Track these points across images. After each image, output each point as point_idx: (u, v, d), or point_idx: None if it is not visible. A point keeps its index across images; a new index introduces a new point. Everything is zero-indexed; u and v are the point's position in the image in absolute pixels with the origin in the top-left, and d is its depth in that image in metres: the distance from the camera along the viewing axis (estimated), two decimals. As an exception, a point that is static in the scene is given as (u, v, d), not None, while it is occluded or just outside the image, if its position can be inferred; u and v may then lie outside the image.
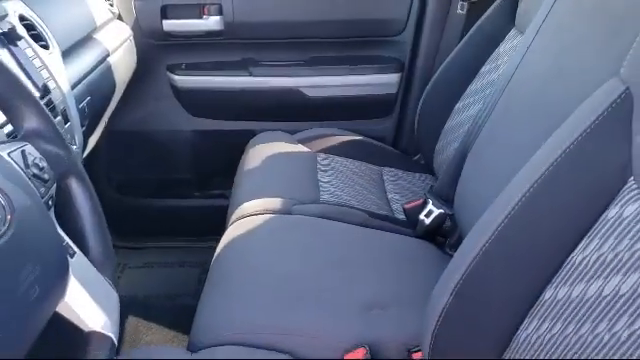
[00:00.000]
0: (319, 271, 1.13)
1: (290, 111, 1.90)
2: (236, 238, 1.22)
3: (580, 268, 0.70)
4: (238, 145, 1.80)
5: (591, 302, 0.67)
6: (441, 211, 1.29)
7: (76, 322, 0.66)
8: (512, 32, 1.47)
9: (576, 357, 0.66)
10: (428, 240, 1.32)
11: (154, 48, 1.87)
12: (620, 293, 0.64)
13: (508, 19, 1.49)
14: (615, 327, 0.63)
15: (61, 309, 0.64)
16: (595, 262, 0.68)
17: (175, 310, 1.57)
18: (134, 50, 1.83)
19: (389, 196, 1.56)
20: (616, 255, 0.66)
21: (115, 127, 1.85)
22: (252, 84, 1.88)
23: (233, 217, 1.35)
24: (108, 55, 1.60)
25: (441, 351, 0.85)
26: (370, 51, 1.89)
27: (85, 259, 0.69)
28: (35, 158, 0.65)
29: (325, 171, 1.59)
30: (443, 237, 1.33)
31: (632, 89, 0.71)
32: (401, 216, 1.43)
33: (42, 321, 0.60)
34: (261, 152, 1.68)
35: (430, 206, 1.30)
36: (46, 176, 0.66)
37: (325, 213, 1.34)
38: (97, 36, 1.58)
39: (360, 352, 0.93)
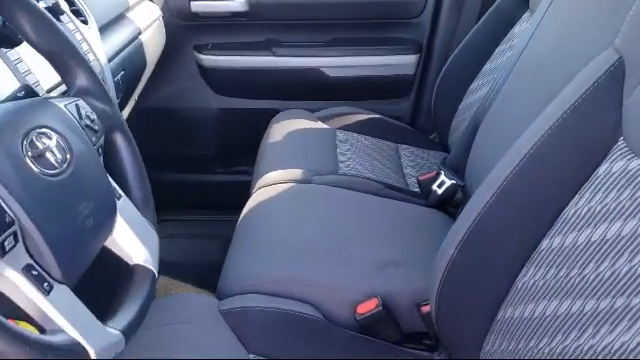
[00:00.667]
0: (337, 233, 1.21)
1: (311, 90, 1.98)
2: (260, 203, 1.31)
3: (572, 219, 0.77)
4: (261, 123, 1.87)
5: (581, 248, 0.74)
6: (453, 182, 1.36)
7: (122, 256, 0.75)
8: (526, 14, 1.53)
9: (566, 297, 0.73)
10: (440, 210, 1.39)
11: (182, 28, 1.95)
12: (606, 238, 0.71)
13: (523, 1, 1.55)
14: (600, 268, 0.70)
15: (109, 244, 0.73)
16: (586, 214, 0.75)
17: (201, 273, 1.65)
18: (163, 30, 1.92)
19: (404, 171, 1.63)
20: (604, 206, 0.73)
21: (143, 104, 1.93)
22: (275, 64, 1.95)
23: (257, 186, 1.44)
24: (140, 33, 1.68)
25: (447, 301, 0.93)
26: (389, 33, 1.95)
27: (129, 202, 0.77)
28: (87, 112, 0.74)
29: (343, 146, 1.66)
30: (454, 207, 1.40)
31: (625, 58, 0.78)
32: (415, 189, 1.51)
33: (95, 250, 0.69)
34: (283, 129, 1.76)
35: (442, 177, 1.37)
36: (96, 127, 0.74)
37: (342, 183, 1.42)
38: (129, 15, 1.66)
39: (373, 302, 1.01)
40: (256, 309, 1.00)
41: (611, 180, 0.74)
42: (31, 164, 0.60)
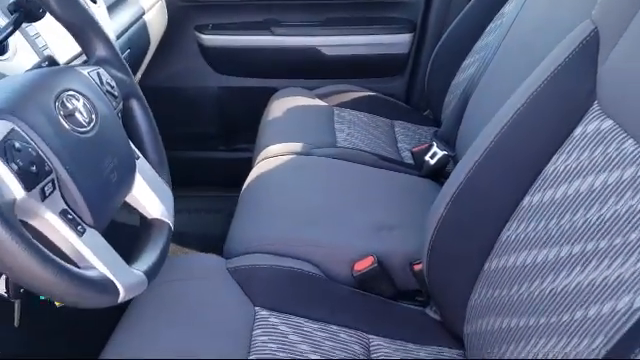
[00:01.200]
0: (336, 200, 1.28)
1: (309, 69, 2.04)
2: (263, 173, 1.38)
3: (551, 177, 0.85)
4: (261, 101, 1.93)
5: (558, 203, 0.82)
6: (445, 153, 1.43)
7: (141, 210, 0.82)
8: (518, -9, 1.59)
9: (544, 246, 0.81)
10: (433, 180, 1.47)
11: (183, 9, 2.01)
12: (580, 192, 0.78)
13: (515, -21, 1.61)
14: (574, 218, 0.78)
15: (130, 199, 0.81)
16: (562, 171, 0.83)
17: (206, 242, 1.72)
18: (165, 10, 1.97)
19: (399, 145, 1.71)
20: (579, 163, 0.81)
21: (145, 83, 1.99)
22: (274, 43, 2.02)
23: (258, 158, 1.51)
24: (143, 13, 1.74)
25: (437, 256, 1.00)
26: (384, 13, 2.02)
27: (146, 163, 0.85)
28: (107, 79, 0.81)
29: (341, 122, 1.73)
30: (446, 178, 1.47)
31: (600, 29, 0.85)
32: (409, 162, 1.58)
33: (119, 201, 0.76)
34: (283, 106, 1.82)
35: (435, 148, 1.45)
36: (116, 94, 0.81)
37: (340, 155, 1.49)
38: (133, -5, 1.72)
39: (369, 260, 1.09)
40: (261, 267, 1.08)
41: (585, 140, 0.81)
42: (63, 122, 0.67)
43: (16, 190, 0.57)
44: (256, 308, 0.99)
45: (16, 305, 0.93)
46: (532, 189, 0.88)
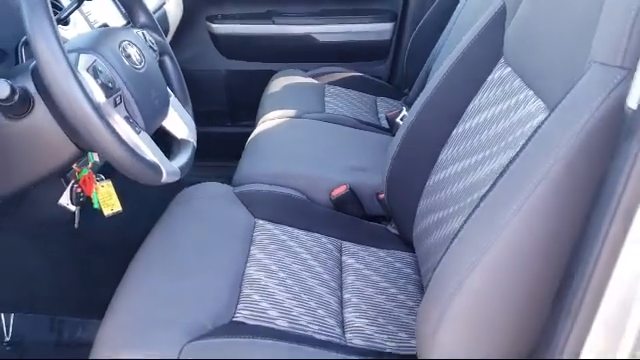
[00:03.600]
0: (320, 148, 1.61)
1: (305, 53, 2.37)
2: (264, 130, 1.71)
3: (470, 112, 1.17)
4: (263, 82, 2.24)
5: (472, 129, 1.13)
6: (412, 115, 1.75)
7: (173, 132, 1.14)
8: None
9: (459, 160, 1.12)
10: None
11: (196, 1, 2.33)
12: (486, 120, 1.10)
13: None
14: (481, 138, 1.09)
15: (165, 123, 1.13)
16: (477, 107, 1.15)
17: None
18: (181, 2, 2.30)
19: (379, 115, 2.02)
20: (487, 100, 1.12)
21: (162, 67, 2.32)
22: (275, 31, 2.34)
23: (260, 121, 1.83)
24: (164, 4, 2.06)
25: (393, 183, 1.31)
26: (369, 4, 2.35)
27: (176, 99, 1.17)
28: (149, 38, 1.13)
29: (330, 96, 2.05)
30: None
31: (506, 3, 1.17)
32: (386, 127, 1.90)
33: (160, 120, 1.08)
34: (281, 83, 2.14)
35: (404, 112, 1.76)
36: (155, 48, 1.13)
37: (327, 118, 1.81)
38: (155, -13, 2.04)
39: (343, 187, 1.41)
40: (261, 192, 1.39)
41: (492, 83, 1.13)
42: (125, 60, 0.98)
43: (100, 96, 0.89)
44: (256, 219, 1.30)
45: (77, 211, 1.25)
46: (459, 123, 1.19)
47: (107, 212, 1.23)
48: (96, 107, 0.84)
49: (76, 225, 1.27)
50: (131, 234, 1.31)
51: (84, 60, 0.90)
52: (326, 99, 2.01)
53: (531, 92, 0.98)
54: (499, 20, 1.17)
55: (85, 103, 0.82)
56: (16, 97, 0.85)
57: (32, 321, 1.55)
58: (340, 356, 0.97)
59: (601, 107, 0.69)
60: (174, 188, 1.39)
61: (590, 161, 0.70)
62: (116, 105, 0.93)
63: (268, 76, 2.27)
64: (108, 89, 0.91)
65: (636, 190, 0.61)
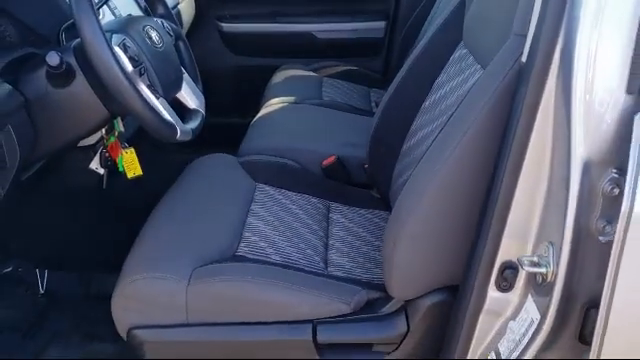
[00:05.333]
0: (315, 126, 1.84)
1: (305, 50, 2.59)
2: (266, 112, 1.94)
3: (435, 87, 1.38)
4: (267, 76, 2.47)
5: (436, 101, 1.35)
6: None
7: (185, 103, 1.36)
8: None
9: (427, 126, 1.33)
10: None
11: (207, 2, 2.57)
12: (445, 94, 1.31)
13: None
14: (441, 107, 1.30)
15: (179, 95, 1.35)
16: (440, 83, 1.36)
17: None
18: (193, 3, 2.53)
19: (372, 104, 2.24)
20: (448, 77, 1.34)
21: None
22: (278, 29, 2.57)
23: (263, 107, 2.06)
24: (178, 4, 2.30)
25: (374, 152, 1.53)
26: (364, 5, 2.57)
27: (188, 76, 1.39)
28: (167, 25, 1.36)
29: (327, 86, 2.27)
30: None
31: (466, -4, 1.38)
32: (377, 113, 2.11)
33: (175, 92, 1.31)
34: (283, 76, 2.37)
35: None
36: (171, 34, 1.36)
37: (323, 104, 2.04)
38: (170, -11, 2.28)
39: (332, 158, 1.63)
40: (261, 161, 1.62)
41: (453, 62, 1.35)
42: (148, 40, 1.21)
43: (128, 66, 1.12)
44: (257, 183, 1.53)
45: (105, 173, 1.47)
46: (428, 96, 1.41)
47: (130, 175, 1.46)
48: (126, 74, 1.07)
49: (104, 185, 1.50)
50: (150, 198, 1.54)
51: (116, 38, 1.13)
52: (323, 89, 2.23)
53: (479, 66, 1.19)
54: (460, 10, 1.39)
55: (118, 70, 1.05)
56: (63, 66, 1.07)
57: (63, 276, 1.78)
58: (320, 279, 1.19)
59: (513, 68, 0.91)
60: (186, 160, 1.63)
61: (502, 111, 0.91)
62: (141, 75, 1.15)
63: (272, 71, 2.49)
64: (135, 61, 1.13)
65: (528, 123, 0.82)
